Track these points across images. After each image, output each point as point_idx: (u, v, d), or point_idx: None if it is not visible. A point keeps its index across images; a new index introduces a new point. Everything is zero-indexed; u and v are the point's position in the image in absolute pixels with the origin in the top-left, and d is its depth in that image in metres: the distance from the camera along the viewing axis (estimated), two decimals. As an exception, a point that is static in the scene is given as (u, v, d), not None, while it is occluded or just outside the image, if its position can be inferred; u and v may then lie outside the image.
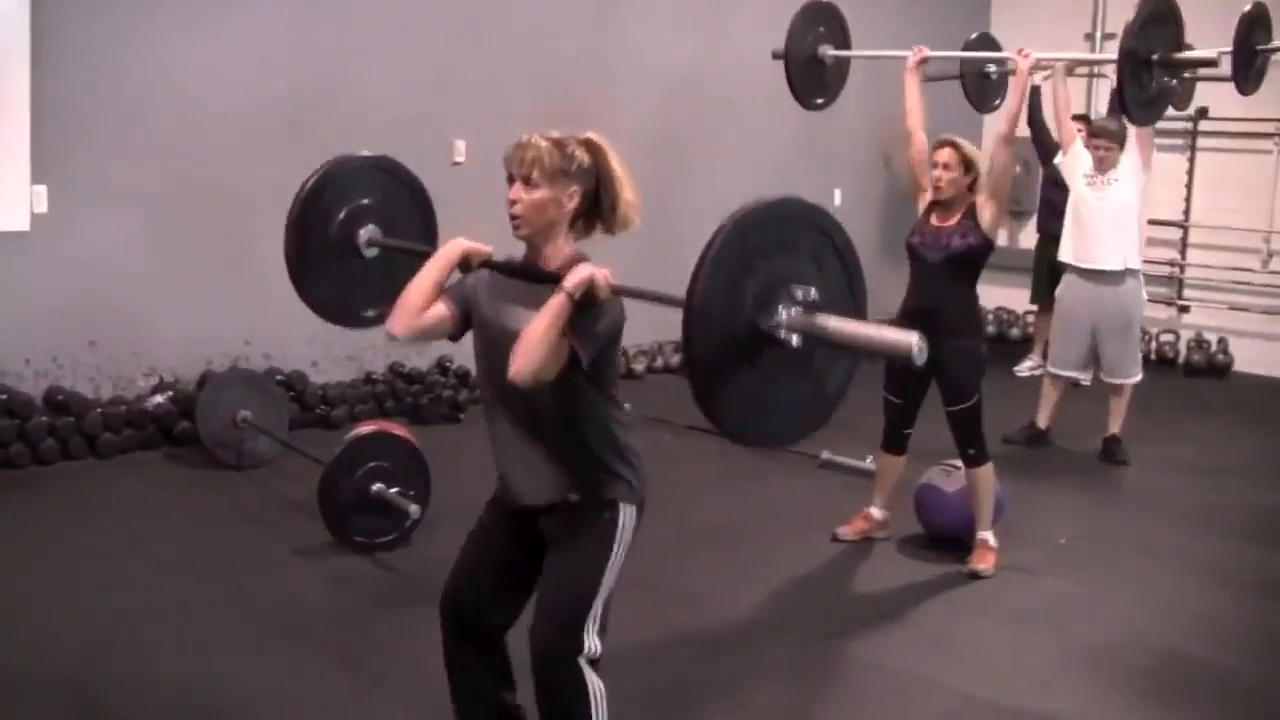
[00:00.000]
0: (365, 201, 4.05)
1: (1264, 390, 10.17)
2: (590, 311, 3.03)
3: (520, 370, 2.98)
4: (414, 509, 5.31)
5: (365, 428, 5.70)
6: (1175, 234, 11.00)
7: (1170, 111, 10.63)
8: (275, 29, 7.32)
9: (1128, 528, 6.35)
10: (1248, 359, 10.64)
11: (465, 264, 3.32)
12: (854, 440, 6.60)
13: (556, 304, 2.98)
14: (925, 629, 4.97)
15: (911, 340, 2.67)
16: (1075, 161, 7.54)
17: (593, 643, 3.15)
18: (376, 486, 5.35)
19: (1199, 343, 10.80)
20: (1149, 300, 10.73)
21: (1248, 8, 6.51)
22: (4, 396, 6.40)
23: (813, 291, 2.77)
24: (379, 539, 5.38)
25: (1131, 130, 7.19)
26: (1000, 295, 10.82)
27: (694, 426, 7.62)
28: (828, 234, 2.91)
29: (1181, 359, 10.81)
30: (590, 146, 3.27)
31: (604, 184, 3.28)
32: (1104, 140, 7.31)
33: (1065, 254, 7.62)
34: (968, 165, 5.42)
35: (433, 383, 7.90)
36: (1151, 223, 10.71)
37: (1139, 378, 7.59)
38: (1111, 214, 7.33)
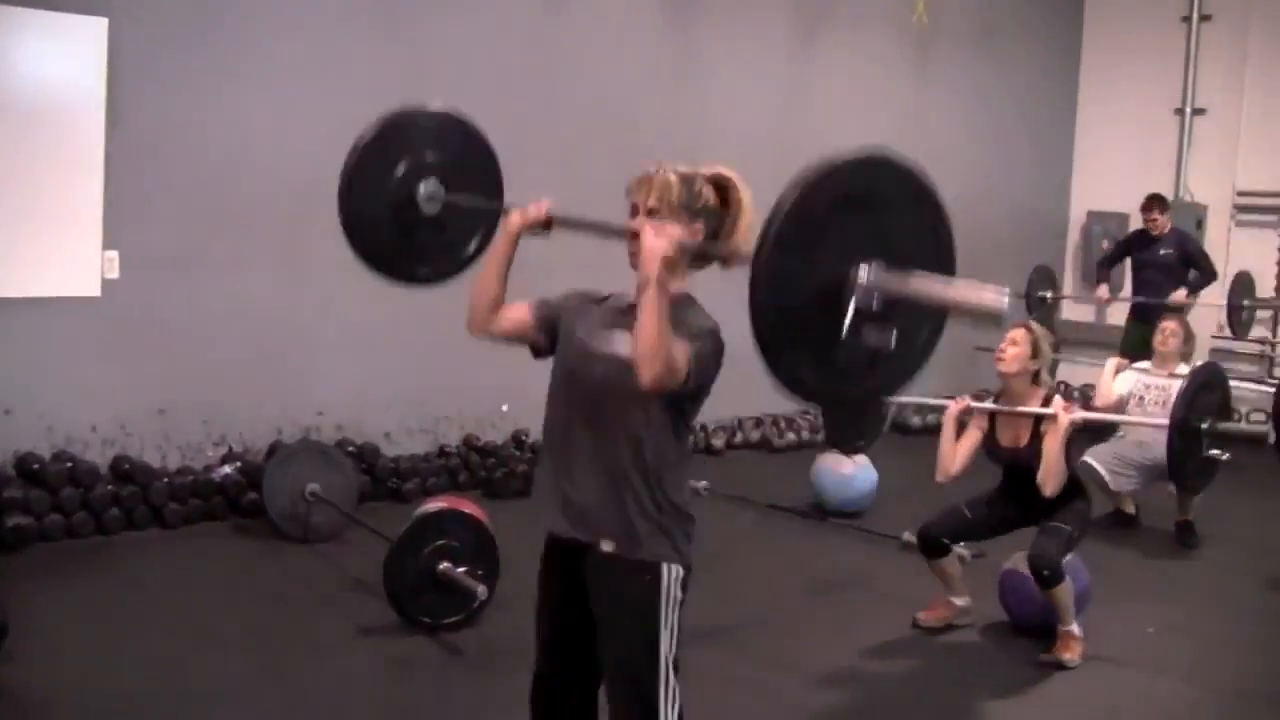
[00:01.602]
0: (429, 156, 3.92)
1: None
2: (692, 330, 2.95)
3: (651, 373, 2.82)
4: (481, 589, 5.18)
5: (434, 504, 5.60)
6: (1267, 313, 10.75)
7: (1260, 187, 10.59)
8: (349, 99, 7.25)
9: (1218, 616, 6.11)
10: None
11: (533, 227, 3.32)
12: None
13: (650, 299, 2.83)
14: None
15: (1002, 302, 2.52)
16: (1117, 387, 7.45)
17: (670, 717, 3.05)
18: (443, 565, 5.22)
19: (1291, 423, 10.50)
20: (1239, 380, 10.60)
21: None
22: (69, 465, 6.35)
23: (895, 252, 2.62)
24: (445, 619, 5.25)
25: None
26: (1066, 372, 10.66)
27: (774, 505, 7.50)
28: (919, 192, 2.73)
29: (1272, 440, 10.50)
30: (719, 184, 3.14)
31: (729, 223, 3.15)
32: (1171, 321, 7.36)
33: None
34: (1035, 350, 5.39)
35: (506, 456, 7.79)
36: (1245, 305, 10.49)
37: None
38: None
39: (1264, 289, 10.67)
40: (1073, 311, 11.55)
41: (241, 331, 6.97)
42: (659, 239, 2.89)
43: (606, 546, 3.04)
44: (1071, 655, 5.27)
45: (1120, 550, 7.08)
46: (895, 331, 2.65)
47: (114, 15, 6.36)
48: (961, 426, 5.60)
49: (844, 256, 2.59)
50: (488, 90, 7.88)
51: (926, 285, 2.61)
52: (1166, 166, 11.10)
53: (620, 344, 2.99)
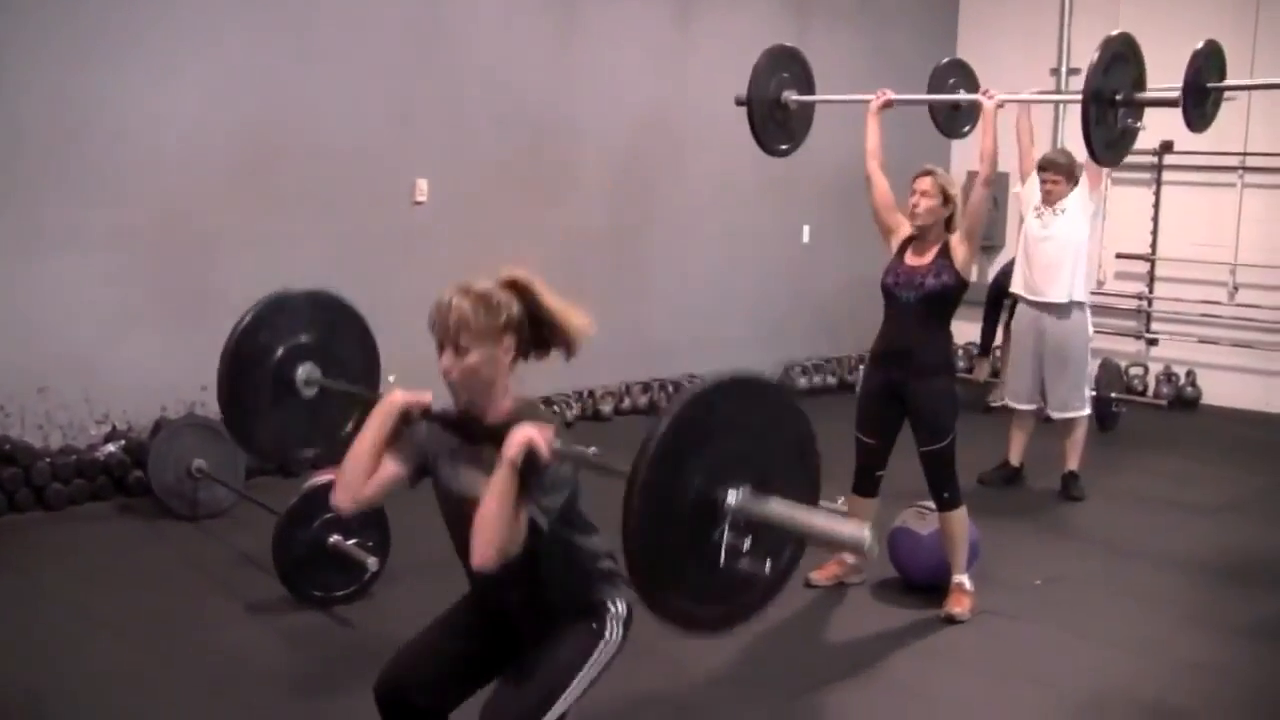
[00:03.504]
0: (303, 339, 3.93)
1: (1233, 422, 10.14)
2: (540, 474, 2.87)
3: (484, 559, 2.82)
4: (372, 561, 5.15)
5: (322, 477, 5.51)
6: (1143, 267, 10.99)
7: (1135, 144, 10.77)
8: (231, 70, 7.18)
9: (1103, 568, 6.25)
10: (1216, 391, 10.64)
11: (406, 418, 3.15)
12: (826, 481, 6.46)
13: (501, 479, 2.81)
14: (901, 682, 4.82)
15: (863, 535, 2.53)
16: (1029, 194, 7.54)
17: None
18: (333, 538, 5.18)
19: (1167, 376, 10.78)
20: (1117, 334, 10.83)
21: (1199, 45, 6.45)
22: (-53, 447, 6.20)
23: (763, 475, 2.64)
24: (336, 593, 5.21)
25: (1082, 163, 7.16)
26: (970, 331, 10.77)
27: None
28: (786, 413, 2.81)
29: (1150, 392, 10.77)
30: (517, 288, 3.05)
31: (545, 323, 3.07)
32: (1051, 174, 7.28)
33: (1016, 285, 7.63)
34: (946, 196, 5.42)
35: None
36: (1119, 256, 10.72)
37: (1085, 412, 7.54)
38: (1057, 246, 7.31)
39: (1139, 244, 10.89)
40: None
41: (122, 306, 6.83)
42: (537, 434, 2.85)
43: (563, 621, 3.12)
44: (962, 609, 5.35)
45: (1007, 504, 7.22)
46: (768, 559, 2.68)
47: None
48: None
49: (715, 478, 2.58)
50: (373, 62, 7.82)
51: (792, 513, 2.62)
52: (1044, 126, 11.26)
53: (478, 485, 2.94)
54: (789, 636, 5.24)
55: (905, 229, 5.56)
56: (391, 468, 3.14)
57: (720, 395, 2.63)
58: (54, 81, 6.50)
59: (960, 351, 10.77)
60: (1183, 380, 10.73)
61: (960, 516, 5.41)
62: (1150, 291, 10.98)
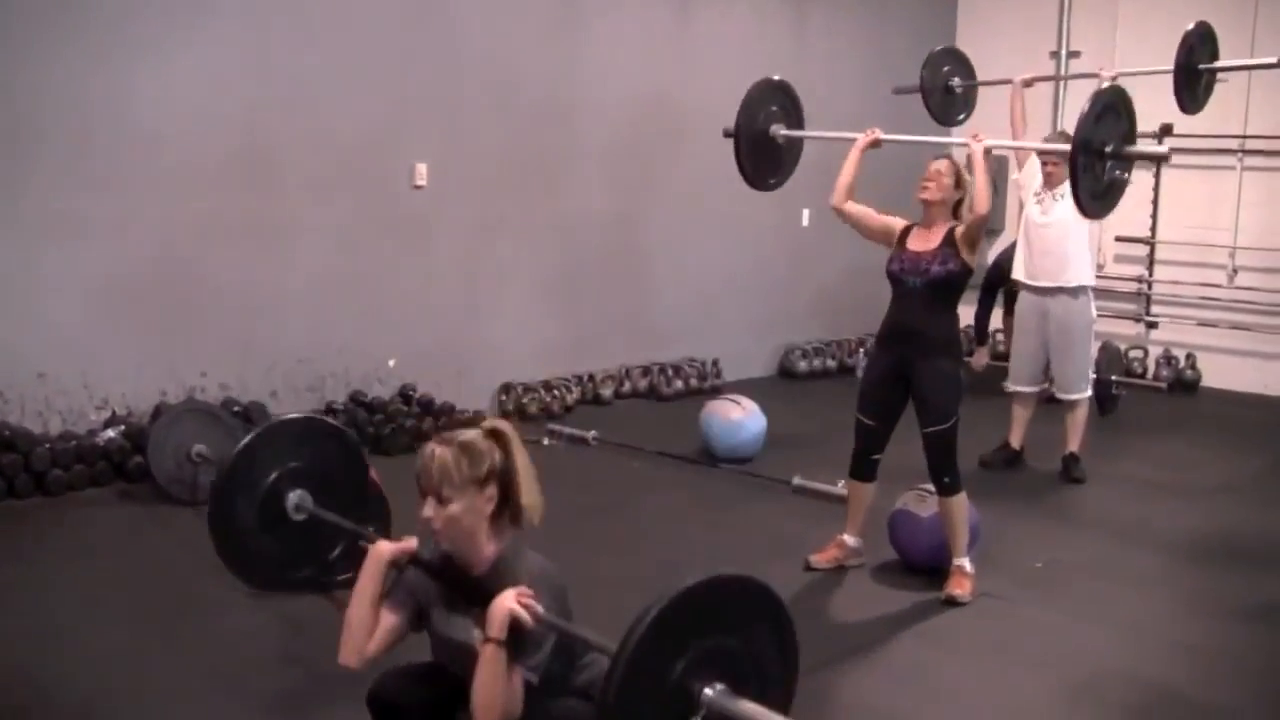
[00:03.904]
0: (293, 464, 3.92)
1: (1232, 405, 10.16)
2: (524, 641, 2.97)
3: None
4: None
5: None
6: (1142, 251, 10.99)
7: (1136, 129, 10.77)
8: (229, 56, 7.17)
9: (1103, 550, 6.25)
10: (1215, 374, 10.65)
11: (395, 565, 3.26)
12: (826, 465, 6.49)
13: (489, 655, 2.93)
14: (900, 663, 4.82)
15: None
16: (1029, 179, 7.56)
17: None
18: (334, 523, 5.17)
19: (1168, 359, 10.79)
20: (1117, 317, 10.83)
21: (1190, 26, 6.46)
22: (-54, 433, 6.20)
23: (740, 676, 2.72)
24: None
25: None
26: (969, 315, 10.78)
27: (664, 453, 7.53)
28: (770, 614, 2.88)
29: (1150, 375, 10.77)
30: (498, 438, 3.14)
31: (509, 481, 3.15)
32: (1052, 156, 7.29)
33: (1018, 271, 7.64)
34: (959, 179, 5.44)
35: (395, 412, 7.72)
36: (1118, 240, 10.71)
37: (1087, 394, 7.59)
38: (1057, 231, 7.34)
39: (1139, 227, 10.89)
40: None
41: (121, 292, 6.83)
42: (517, 604, 2.94)
43: None
44: (963, 591, 5.36)
45: (1008, 487, 7.23)
46: None
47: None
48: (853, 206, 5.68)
49: (693, 675, 2.64)
50: (372, 46, 7.82)
51: (762, 716, 2.67)
52: (1044, 110, 11.26)
53: (470, 635, 3.08)
54: (792, 618, 5.24)
55: (899, 223, 5.57)
56: (390, 619, 3.24)
57: (708, 592, 2.72)
58: (48, 69, 6.49)
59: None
60: (1182, 363, 10.75)
61: (960, 501, 5.41)
62: (1150, 275, 10.99)
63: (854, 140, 5.79)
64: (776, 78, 6.30)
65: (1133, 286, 11.02)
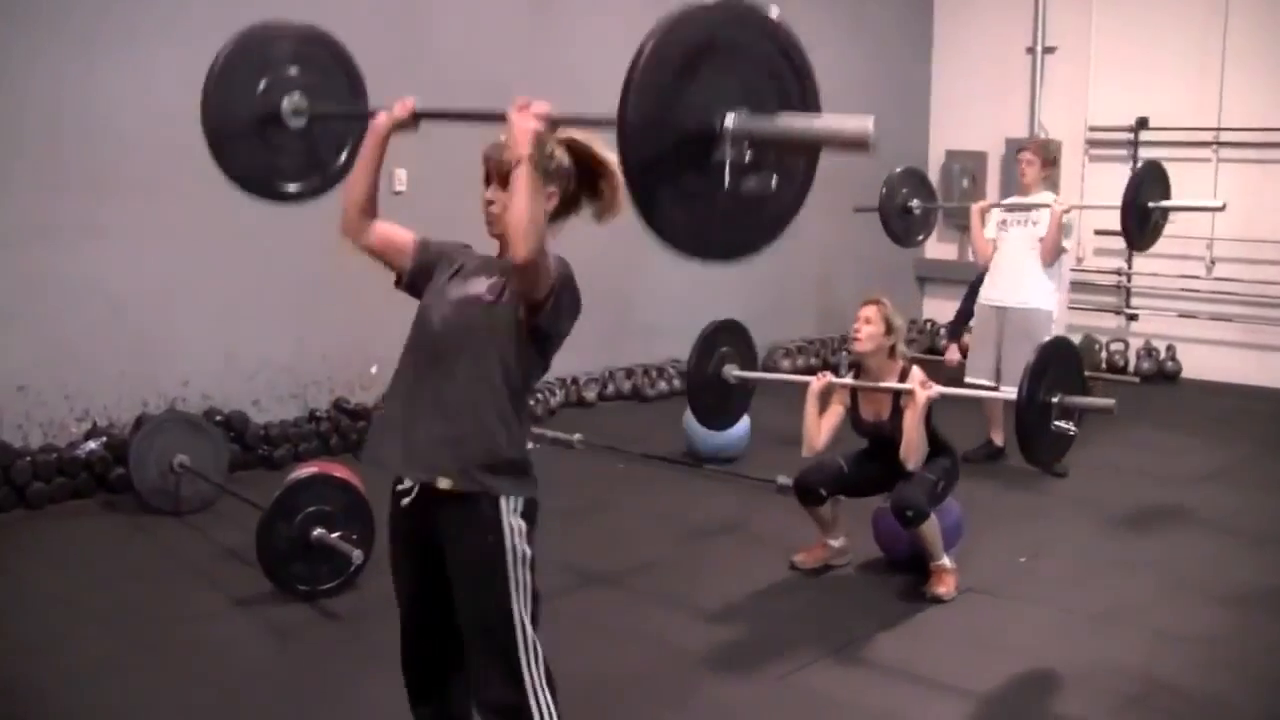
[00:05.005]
0: (290, 71, 3.92)
1: (1212, 395, 10.19)
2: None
3: (528, 251, 2.90)
4: (356, 554, 5.13)
5: (304, 470, 5.54)
6: (1121, 244, 10.96)
7: (1111, 121, 10.81)
8: (202, 56, 7.12)
9: (1088, 542, 6.27)
10: (1196, 365, 10.67)
11: (399, 126, 3.48)
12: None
13: (522, 176, 2.92)
14: (887, 661, 4.83)
15: (867, 128, 2.50)
16: (990, 223, 7.73)
17: (533, 677, 3.05)
18: (317, 532, 5.16)
19: (1148, 350, 10.82)
20: (1097, 310, 10.86)
21: (1139, 166, 6.46)
22: (-74, 447, 6.17)
23: (759, 94, 2.64)
24: (321, 585, 5.20)
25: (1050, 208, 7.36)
26: (934, 308, 10.84)
27: (649, 454, 7.52)
28: (771, 33, 2.75)
29: (1131, 367, 10.80)
30: (572, 146, 3.20)
31: (600, 175, 3.24)
32: (1028, 152, 7.33)
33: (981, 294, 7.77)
34: (889, 326, 5.44)
35: (377, 418, 7.70)
36: (1097, 233, 10.71)
37: None
38: (1017, 251, 7.46)
39: (1117, 221, 10.89)
40: (935, 250, 11.70)
41: (101, 302, 6.80)
42: (526, 118, 2.98)
43: (444, 484, 3.03)
44: (946, 589, 5.36)
45: (991, 481, 7.23)
46: (774, 175, 2.68)
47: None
48: (826, 401, 5.63)
49: (708, 106, 2.58)
50: (348, 49, 7.77)
51: (792, 122, 2.63)
52: (1021, 105, 11.29)
53: (478, 285, 3.09)
54: (773, 616, 5.25)
55: (842, 402, 5.60)
56: (406, 240, 3.36)
57: (707, 20, 2.66)
58: (20, 66, 6.46)
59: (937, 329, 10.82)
60: (1163, 354, 10.78)
61: (928, 525, 5.35)
62: (1129, 268, 11.01)
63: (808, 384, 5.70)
64: (730, 318, 6.44)
65: (1112, 280, 11.04)
